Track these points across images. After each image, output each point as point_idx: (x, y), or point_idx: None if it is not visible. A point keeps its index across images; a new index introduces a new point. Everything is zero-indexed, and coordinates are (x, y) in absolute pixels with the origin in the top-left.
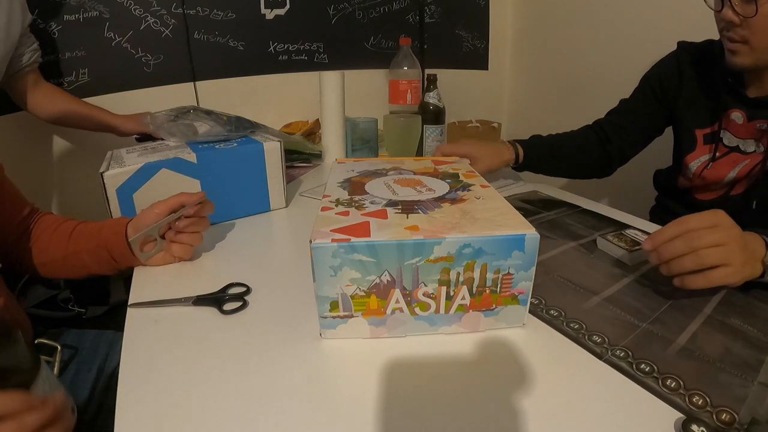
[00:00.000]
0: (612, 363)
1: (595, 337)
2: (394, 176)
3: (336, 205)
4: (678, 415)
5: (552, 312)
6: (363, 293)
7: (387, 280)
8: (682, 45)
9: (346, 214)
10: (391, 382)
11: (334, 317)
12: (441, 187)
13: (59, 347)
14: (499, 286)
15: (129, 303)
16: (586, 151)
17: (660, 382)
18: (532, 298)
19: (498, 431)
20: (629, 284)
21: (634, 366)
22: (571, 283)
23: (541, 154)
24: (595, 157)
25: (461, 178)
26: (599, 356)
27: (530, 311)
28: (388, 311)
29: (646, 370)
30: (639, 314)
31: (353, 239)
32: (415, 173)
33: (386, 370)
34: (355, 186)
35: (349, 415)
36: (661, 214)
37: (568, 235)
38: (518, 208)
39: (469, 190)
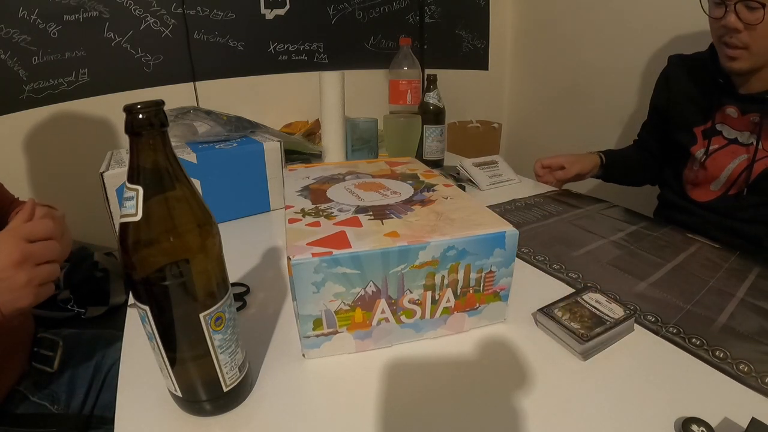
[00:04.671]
0: (668, 338)
1: (649, 317)
2: (354, 181)
3: (303, 216)
4: (719, 386)
5: (609, 295)
6: (348, 307)
7: (372, 291)
8: (672, 58)
9: (317, 224)
10: (388, 392)
11: (318, 335)
12: (405, 190)
13: (60, 342)
14: (482, 284)
15: (129, 303)
16: (644, 164)
17: (710, 353)
18: (588, 283)
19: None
20: (669, 271)
21: (686, 340)
22: (619, 270)
23: (618, 166)
24: (650, 168)
25: (421, 178)
26: (656, 333)
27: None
28: (374, 323)
29: (697, 343)
30: (682, 297)
31: (335, 252)
32: (373, 176)
33: (378, 382)
34: (315, 194)
35: (349, 424)
36: (663, 216)
37: (610, 228)
38: (559, 203)
39: (434, 191)
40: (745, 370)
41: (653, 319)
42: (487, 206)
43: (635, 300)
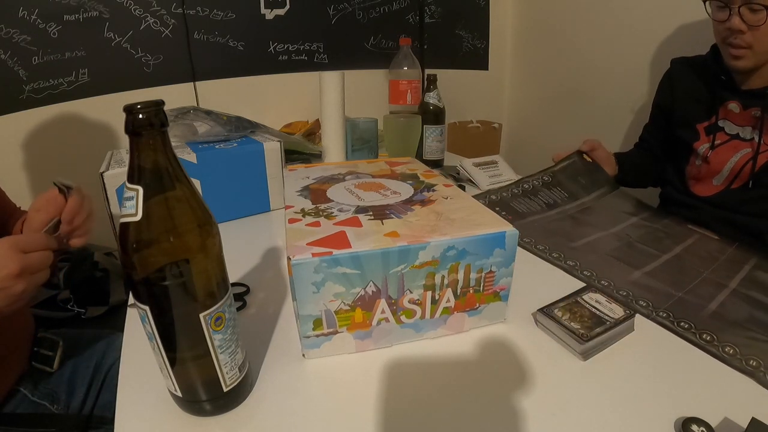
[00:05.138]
0: (658, 321)
1: (641, 302)
2: (354, 181)
3: (303, 216)
4: (711, 366)
5: (603, 282)
6: (348, 307)
7: (372, 291)
8: (674, 60)
9: (317, 224)
10: (388, 392)
11: (318, 335)
12: (405, 190)
13: (60, 342)
14: (482, 284)
15: (129, 303)
16: (648, 166)
17: (698, 335)
18: (585, 270)
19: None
20: (665, 262)
21: (675, 323)
22: (616, 260)
23: (627, 169)
24: (654, 169)
25: (421, 178)
26: (647, 316)
27: (585, 282)
28: (374, 323)
29: (686, 327)
30: (675, 286)
31: (335, 251)
32: (373, 176)
33: (378, 382)
34: (315, 194)
35: (349, 424)
36: (666, 210)
37: (611, 219)
38: (558, 185)
39: (434, 191)
40: (731, 352)
41: (644, 304)
42: (491, 191)
43: (629, 287)
